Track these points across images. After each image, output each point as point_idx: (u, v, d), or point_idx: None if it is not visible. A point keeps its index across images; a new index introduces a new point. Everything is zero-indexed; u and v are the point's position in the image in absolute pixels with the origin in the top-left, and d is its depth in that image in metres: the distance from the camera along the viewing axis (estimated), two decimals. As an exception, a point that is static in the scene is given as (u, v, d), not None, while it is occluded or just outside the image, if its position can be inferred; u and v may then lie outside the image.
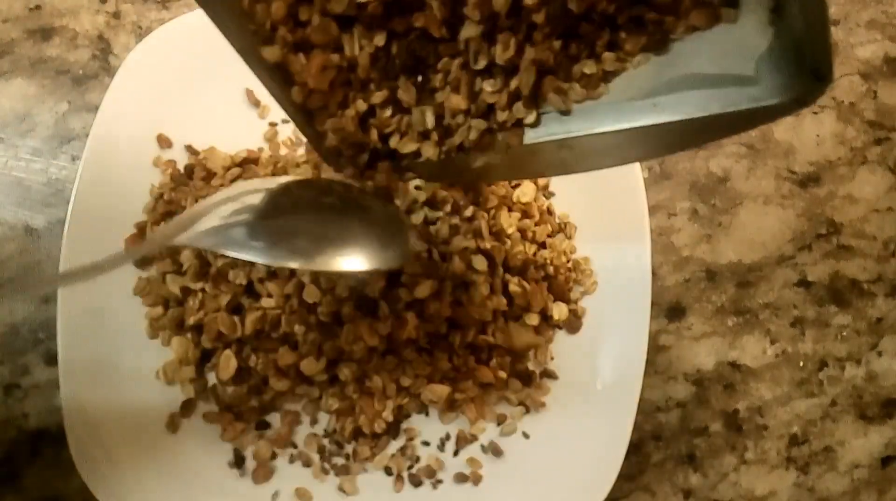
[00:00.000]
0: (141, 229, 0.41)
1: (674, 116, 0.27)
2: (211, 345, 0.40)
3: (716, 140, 0.37)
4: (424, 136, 0.31)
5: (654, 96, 0.28)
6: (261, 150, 0.43)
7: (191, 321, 0.40)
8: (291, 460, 0.40)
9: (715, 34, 0.26)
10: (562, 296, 0.42)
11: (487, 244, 0.40)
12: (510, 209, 0.43)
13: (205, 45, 0.42)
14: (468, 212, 0.41)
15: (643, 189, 0.42)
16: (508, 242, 0.42)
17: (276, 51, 0.28)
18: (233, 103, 0.44)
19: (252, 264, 0.39)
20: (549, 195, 0.44)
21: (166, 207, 0.41)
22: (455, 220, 0.41)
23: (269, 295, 0.39)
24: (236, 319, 0.39)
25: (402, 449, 0.41)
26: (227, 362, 0.39)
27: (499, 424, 0.41)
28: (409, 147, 0.31)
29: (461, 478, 0.40)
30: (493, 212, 0.42)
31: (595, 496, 0.39)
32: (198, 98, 0.43)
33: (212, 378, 0.41)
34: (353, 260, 0.32)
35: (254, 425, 0.40)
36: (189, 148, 0.43)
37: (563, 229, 0.44)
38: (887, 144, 0.48)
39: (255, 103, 0.44)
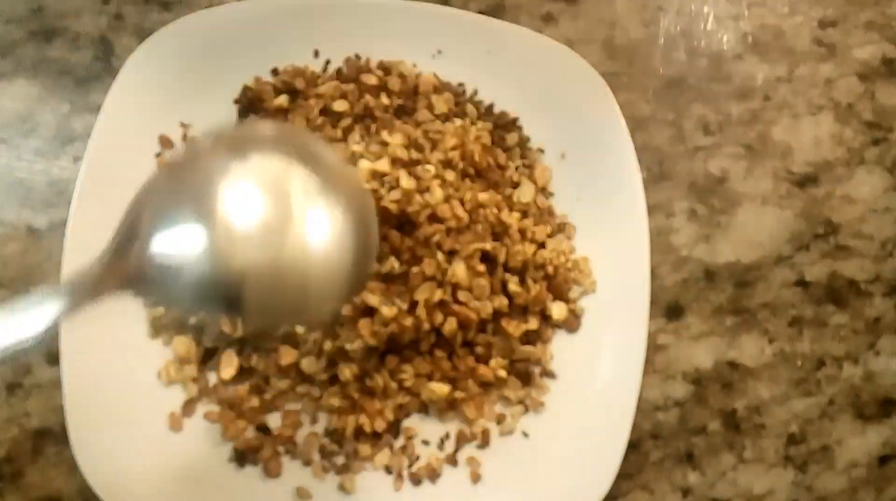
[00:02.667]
0: None
1: None
2: (212, 344, 0.40)
3: None
4: None
5: None
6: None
7: (192, 320, 0.40)
8: (292, 458, 0.40)
9: None
10: (561, 296, 0.43)
11: (488, 246, 0.41)
12: (510, 209, 0.43)
13: (206, 47, 0.43)
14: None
15: (642, 189, 0.43)
16: (509, 242, 0.42)
17: None
18: (234, 105, 0.44)
19: None
20: (548, 195, 0.44)
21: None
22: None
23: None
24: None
25: (402, 448, 0.41)
26: (229, 361, 0.40)
27: (498, 423, 0.41)
28: None
29: (460, 477, 0.40)
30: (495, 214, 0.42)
31: (594, 494, 0.39)
32: (199, 99, 0.43)
33: (213, 378, 0.41)
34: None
35: (255, 424, 0.40)
36: None
37: (562, 229, 0.44)
38: (885, 144, 0.48)
39: (256, 104, 0.44)
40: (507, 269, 0.42)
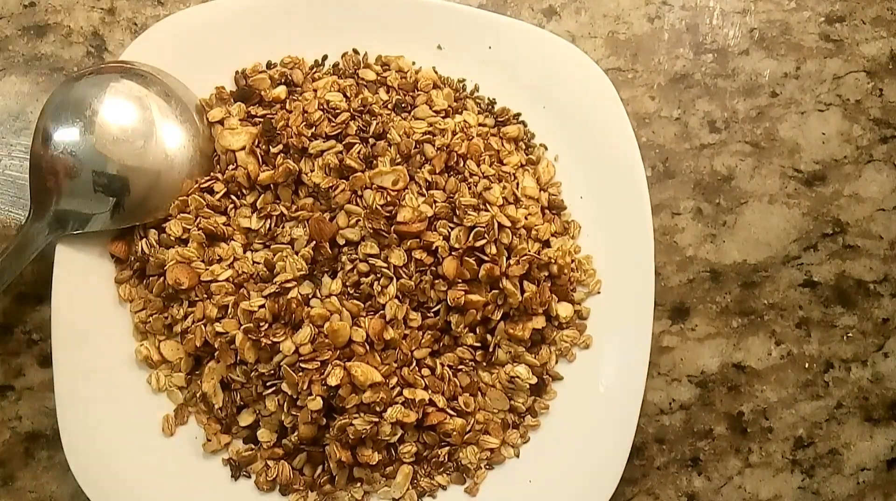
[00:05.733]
0: (124, 232, 0.40)
1: None
2: (196, 354, 0.39)
3: None
4: None
5: None
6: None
7: (177, 328, 0.39)
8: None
9: None
10: (565, 296, 0.42)
11: (493, 249, 0.40)
12: (516, 205, 0.42)
13: (200, 42, 0.42)
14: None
15: (646, 188, 0.42)
16: (515, 239, 0.40)
17: None
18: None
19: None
20: (553, 194, 0.43)
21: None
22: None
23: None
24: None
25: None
26: (211, 377, 0.39)
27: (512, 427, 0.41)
28: None
29: (464, 483, 0.40)
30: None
31: (597, 500, 0.39)
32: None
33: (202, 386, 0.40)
34: None
35: (241, 438, 0.40)
36: None
37: (567, 228, 0.43)
38: (893, 142, 0.47)
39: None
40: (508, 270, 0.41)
